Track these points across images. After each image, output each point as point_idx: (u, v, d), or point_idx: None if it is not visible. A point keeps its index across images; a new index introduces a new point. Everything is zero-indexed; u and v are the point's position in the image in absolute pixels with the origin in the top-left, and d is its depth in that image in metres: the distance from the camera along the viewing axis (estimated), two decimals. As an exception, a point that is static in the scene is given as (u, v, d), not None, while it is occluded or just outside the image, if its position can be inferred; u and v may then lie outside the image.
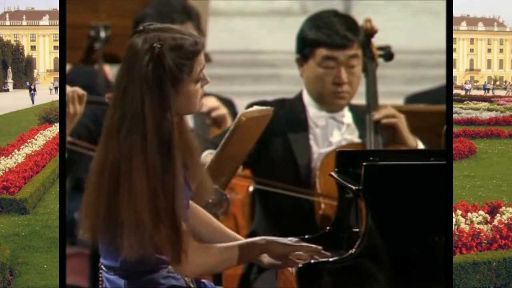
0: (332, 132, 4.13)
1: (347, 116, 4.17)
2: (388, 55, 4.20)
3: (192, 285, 2.57)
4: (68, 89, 3.41)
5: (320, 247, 2.69)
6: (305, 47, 4.08)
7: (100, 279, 2.56)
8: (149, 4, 4.11)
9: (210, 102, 4.31)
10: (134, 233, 2.32)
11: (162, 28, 2.39)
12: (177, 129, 2.43)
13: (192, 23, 4.09)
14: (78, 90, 3.43)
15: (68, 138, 3.58)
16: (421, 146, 4.04)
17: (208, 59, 4.41)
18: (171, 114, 2.37)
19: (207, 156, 3.86)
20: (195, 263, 2.44)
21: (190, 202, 2.74)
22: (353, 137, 4.13)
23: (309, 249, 2.64)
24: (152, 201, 2.32)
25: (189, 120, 4.25)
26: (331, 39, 4.01)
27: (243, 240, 2.62)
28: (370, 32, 4.10)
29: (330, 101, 4.10)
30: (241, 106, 4.26)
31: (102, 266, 2.53)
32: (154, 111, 2.34)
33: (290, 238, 2.69)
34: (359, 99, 4.19)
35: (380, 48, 4.18)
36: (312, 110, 4.15)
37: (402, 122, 4.02)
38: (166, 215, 2.33)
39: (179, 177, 2.38)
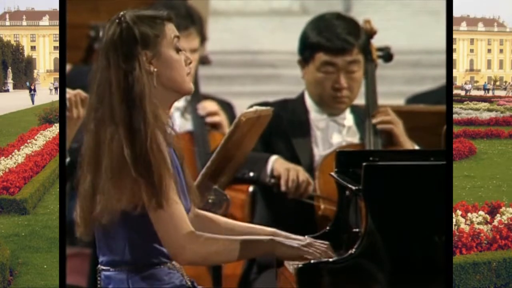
0: (332, 135, 4.13)
1: (348, 118, 4.16)
2: (387, 56, 4.19)
3: (192, 285, 2.56)
4: (71, 92, 3.39)
5: (325, 246, 2.66)
6: (306, 50, 4.08)
7: (99, 280, 2.54)
8: (151, 7, 4.07)
9: (209, 106, 4.30)
10: (114, 185, 2.32)
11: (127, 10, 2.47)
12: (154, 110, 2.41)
13: (196, 28, 4.07)
14: (81, 93, 3.41)
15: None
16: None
17: (207, 61, 4.42)
18: (140, 69, 2.37)
19: (276, 161, 3.87)
20: (191, 250, 2.38)
21: (208, 213, 2.74)
22: (354, 139, 4.13)
23: (316, 252, 2.62)
24: (124, 152, 2.31)
25: (189, 123, 4.26)
26: (330, 43, 3.99)
27: (249, 237, 2.55)
28: (370, 33, 4.09)
29: (330, 105, 4.10)
30: (240, 106, 4.25)
31: (102, 266, 2.52)
32: (118, 67, 2.36)
33: (299, 237, 2.66)
34: (361, 100, 4.18)
35: (379, 49, 4.18)
36: (314, 113, 4.15)
37: (398, 128, 4.00)
38: (143, 162, 2.31)
39: (152, 126, 2.34)
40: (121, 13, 2.43)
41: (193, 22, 4.05)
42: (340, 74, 4.02)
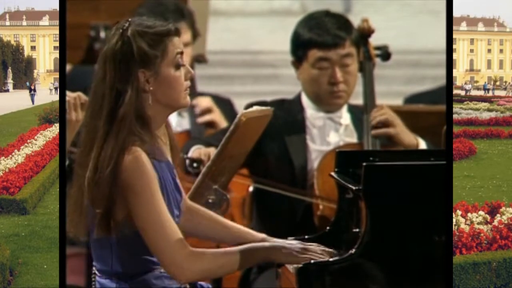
0: (329, 133, 4.12)
1: (345, 117, 4.16)
2: (385, 54, 4.18)
3: (187, 286, 2.56)
4: (71, 95, 3.39)
5: (322, 249, 2.66)
6: (299, 49, 4.08)
7: (93, 283, 2.54)
8: (142, 5, 4.09)
9: (201, 105, 4.29)
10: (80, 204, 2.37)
11: (134, 19, 2.41)
12: (157, 121, 2.42)
13: (186, 22, 4.08)
14: (81, 95, 3.41)
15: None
16: (422, 143, 4.01)
17: (203, 59, 4.42)
18: (132, 90, 2.33)
19: (195, 151, 3.86)
20: (189, 269, 2.37)
21: (191, 203, 2.74)
22: (352, 139, 4.12)
23: (314, 255, 2.62)
24: (94, 169, 2.30)
25: (186, 121, 4.26)
26: (322, 39, 4.00)
27: (247, 246, 2.53)
28: (367, 32, 4.08)
29: (327, 101, 4.10)
30: (241, 106, 4.26)
31: (95, 270, 2.53)
32: (113, 85, 2.33)
33: (294, 242, 2.64)
34: (359, 100, 4.18)
35: (377, 48, 4.17)
36: (310, 111, 4.15)
37: (395, 127, 3.97)
38: (96, 191, 2.30)
39: (120, 148, 2.31)
40: (126, 23, 2.36)
41: (182, 16, 4.05)
42: (335, 68, 4.02)
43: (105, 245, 2.42)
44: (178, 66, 2.41)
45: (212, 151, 3.79)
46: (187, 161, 3.83)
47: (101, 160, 2.29)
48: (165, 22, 2.42)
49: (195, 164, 3.84)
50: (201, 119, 4.28)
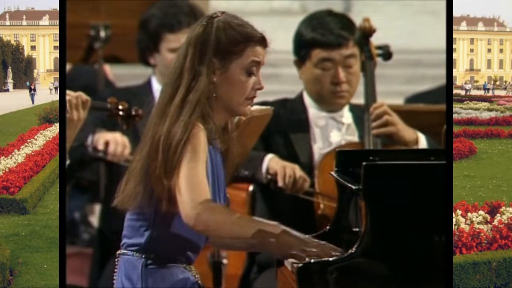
0: (331, 132, 4.13)
1: (346, 116, 4.16)
2: (386, 54, 4.18)
3: (199, 282, 2.55)
4: (72, 94, 3.39)
5: (330, 246, 2.61)
6: (301, 48, 4.08)
7: (116, 264, 2.52)
8: (154, 5, 4.07)
9: None
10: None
11: (229, 14, 2.48)
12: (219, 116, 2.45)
13: None
14: (83, 95, 3.41)
15: None
16: (421, 137, 4.01)
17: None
18: (207, 77, 2.39)
19: (272, 160, 3.87)
20: (204, 219, 2.30)
21: None
22: (353, 138, 4.13)
23: (322, 249, 2.56)
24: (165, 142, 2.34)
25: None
26: (325, 38, 4.00)
27: (259, 218, 2.49)
28: (369, 31, 4.08)
29: (330, 101, 4.10)
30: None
31: (122, 250, 2.49)
32: (190, 65, 2.39)
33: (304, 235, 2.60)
34: (360, 99, 4.18)
35: (379, 47, 4.17)
36: (312, 110, 4.15)
37: (396, 125, 3.97)
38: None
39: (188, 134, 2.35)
40: (219, 13, 2.45)
41: (196, 18, 4.04)
42: (338, 68, 4.02)
43: (145, 219, 2.43)
44: (249, 74, 2.47)
45: None
46: None
47: (171, 137, 2.34)
48: (256, 30, 2.50)
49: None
50: None
